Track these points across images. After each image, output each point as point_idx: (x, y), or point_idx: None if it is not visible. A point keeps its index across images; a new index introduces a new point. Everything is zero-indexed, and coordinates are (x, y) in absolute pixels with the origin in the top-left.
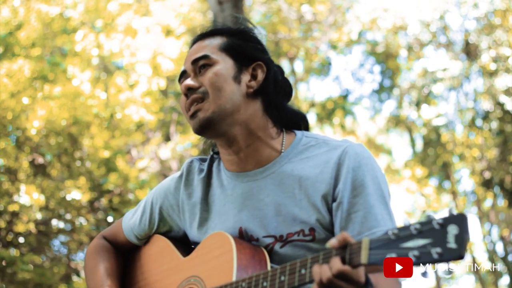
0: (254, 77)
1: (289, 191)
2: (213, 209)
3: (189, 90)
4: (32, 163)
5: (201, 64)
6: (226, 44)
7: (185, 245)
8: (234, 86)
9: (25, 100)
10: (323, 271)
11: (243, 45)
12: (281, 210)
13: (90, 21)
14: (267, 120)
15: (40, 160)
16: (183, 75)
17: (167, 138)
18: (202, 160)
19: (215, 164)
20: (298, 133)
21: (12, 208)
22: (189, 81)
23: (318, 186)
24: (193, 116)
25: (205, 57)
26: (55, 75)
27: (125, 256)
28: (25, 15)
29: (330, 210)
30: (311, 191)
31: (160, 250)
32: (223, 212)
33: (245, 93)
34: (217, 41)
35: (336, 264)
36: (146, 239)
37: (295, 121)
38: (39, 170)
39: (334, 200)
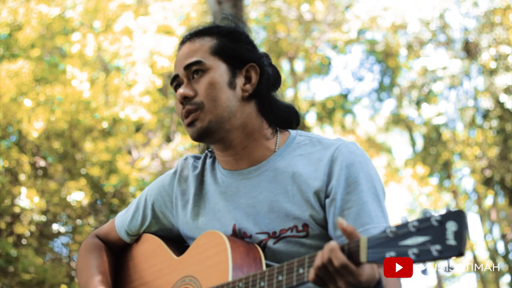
0: (248, 79)
1: (282, 187)
2: (207, 206)
3: (185, 99)
4: (33, 165)
5: (194, 70)
6: (218, 47)
7: (177, 244)
8: (230, 92)
9: (27, 103)
10: (324, 252)
11: (235, 48)
12: (274, 206)
13: (89, 22)
14: (262, 121)
15: (41, 163)
16: (176, 78)
17: (168, 139)
18: (197, 158)
19: (209, 162)
20: (292, 132)
21: (13, 210)
22: (184, 90)
23: (311, 182)
24: (190, 124)
25: (198, 62)
26: (55, 76)
27: (117, 256)
28: (25, 16)
29: (323, 206)
30: (304, 187)
31: (152, 250)
32: (217, 209)
33: (241, 97)
34: (208, 43)
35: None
36: (136, 236)
37: (287, 117)
38: (40, 172)
39: (327, 196)
